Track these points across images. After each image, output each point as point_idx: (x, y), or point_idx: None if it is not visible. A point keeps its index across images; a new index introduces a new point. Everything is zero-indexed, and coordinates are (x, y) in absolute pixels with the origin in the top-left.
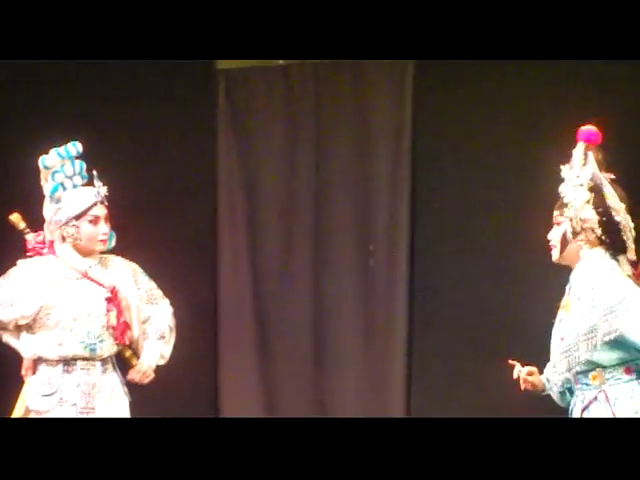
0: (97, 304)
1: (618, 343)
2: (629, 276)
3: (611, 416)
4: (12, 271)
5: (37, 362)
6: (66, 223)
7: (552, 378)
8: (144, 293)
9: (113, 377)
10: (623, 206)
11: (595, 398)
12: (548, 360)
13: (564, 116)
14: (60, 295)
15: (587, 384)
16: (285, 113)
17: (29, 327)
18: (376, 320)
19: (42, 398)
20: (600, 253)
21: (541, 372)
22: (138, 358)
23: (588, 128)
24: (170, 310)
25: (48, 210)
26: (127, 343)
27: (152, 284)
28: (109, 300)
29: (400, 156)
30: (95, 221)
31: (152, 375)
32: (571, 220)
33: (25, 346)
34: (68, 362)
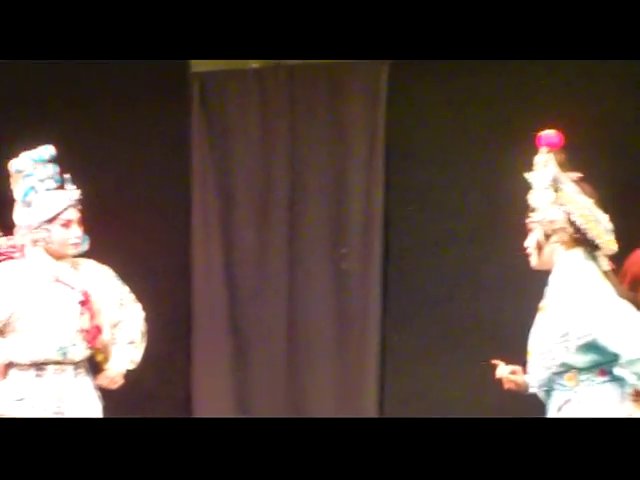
0: (69, 308)
1: (592, 346)
2: (607, 272)
3: (583, 416)
4: None
5: (8, 366)
6: (38, 227)
7: (530, 379)
8: (116, 297)
9: (85, 381)
10: (590, 201)
11: (569, 399)
12: (525, 360)
13: (538, 116)
14: (32, 299)
15: (562, 385)
16: (259, 116)
17: (0, 331)
18: (350, 320)
19: (13, 403)
20: (576, 254)
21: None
22: None
23: (548, 133)
24: (142, 315)
25: (19, 214)
26: (99, 347)
27: (125, 288)
28: (81, 304)
29: (374, 157)
30: (67, 225)
31: (121, 381)
32: (541, 223)
33: None
34: (40, 366)
